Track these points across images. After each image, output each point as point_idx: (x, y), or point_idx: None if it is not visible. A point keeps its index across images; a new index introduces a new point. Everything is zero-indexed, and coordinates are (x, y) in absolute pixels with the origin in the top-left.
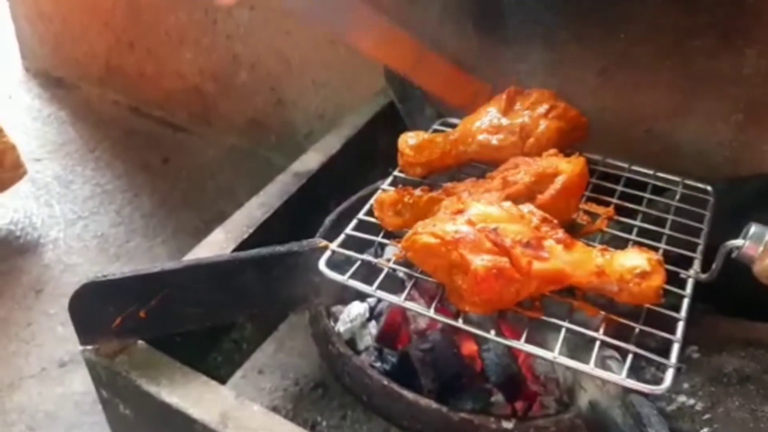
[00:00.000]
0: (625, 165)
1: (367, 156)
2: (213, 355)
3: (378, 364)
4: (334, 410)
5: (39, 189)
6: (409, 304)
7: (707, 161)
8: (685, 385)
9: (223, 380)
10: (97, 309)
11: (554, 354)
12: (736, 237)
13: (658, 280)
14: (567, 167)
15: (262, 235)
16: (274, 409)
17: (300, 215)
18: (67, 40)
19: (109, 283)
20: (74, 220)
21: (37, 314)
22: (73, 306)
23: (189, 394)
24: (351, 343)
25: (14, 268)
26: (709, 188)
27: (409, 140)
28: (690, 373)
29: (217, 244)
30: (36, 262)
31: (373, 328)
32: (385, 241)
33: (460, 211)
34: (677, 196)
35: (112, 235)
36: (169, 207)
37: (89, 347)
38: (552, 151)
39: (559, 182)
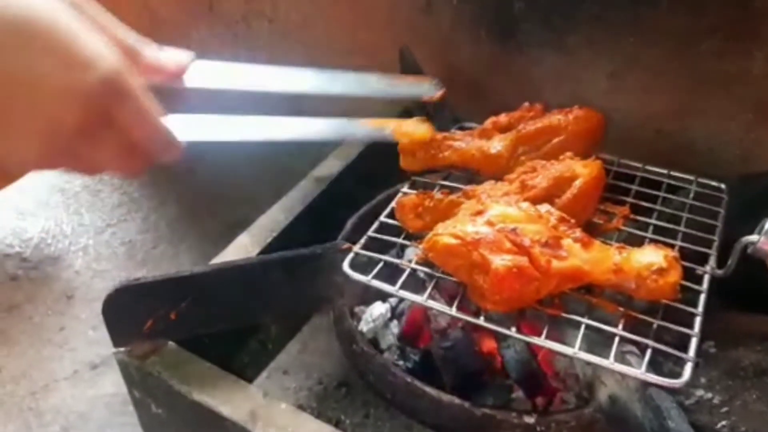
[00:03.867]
0: (639, 165)
1: (387, 162)
2: (240, 356)
3: (401, 363)
4: (358, 408)
5: (68, 198)
6: (431, 303)
7: (718, 159)
8: (703, 380)
9: (250, 380)
10: (130, 312)
11: (574, 350)
12: (750, 233)
13: (674, 276)
14: (584, 171)
15: (285, 238)
16: (300, 408)
17: (322, 219)
18: None
19: (141, 286)
20: (102, 227)
21: (68, 319)
22: (106, 309)
23: (218, 393)
24: (374, 342)
25: (46, 275)
26: (722, 186)
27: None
28: (707, 368)
29: (242, 248)
30: (66, 269)
31: (395, 327)
32: (407, 242)
33: (479, 213)
34: (691, 194)
35: (140, 241)
36: (193, 214)
37: (122, 349)
38: (568, 154)
39: (576, 186)
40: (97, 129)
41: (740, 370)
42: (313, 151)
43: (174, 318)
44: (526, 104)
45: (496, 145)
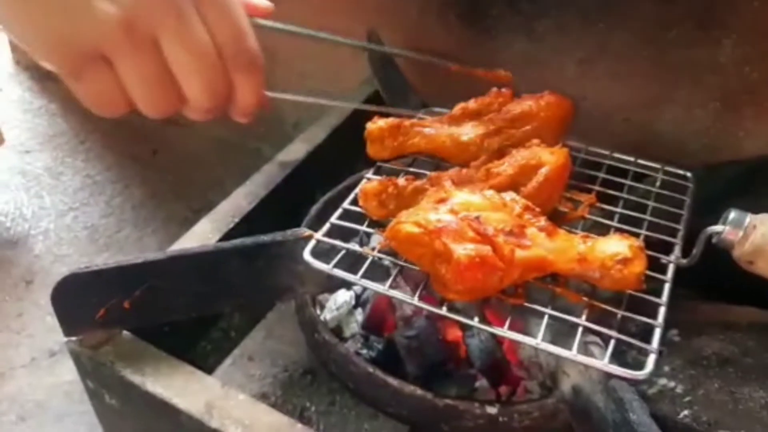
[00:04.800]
0: (607, 152)
1: (354, 145)
2: (202, 343)
3: (364, 351)
4: (323, 396)
5: (29, 181)
6: (393, 293)
7: (686, 148)
8: (666, 368)
9: (212, 368)
10: (81, 300)
11: (537, 341)
12: (715, 222)
13: (639, 266)
14: (550, 159)
15: (247, 224)
16: (264, 396)
17: (286, 204)
18: None
19: (92, 274)
20: (64, 211)
21: (27, 305)
22: (56, 298)
23: (174, 383)
24: (337, 330)
25: (4, 260)
26: (688, 174)
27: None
28: (670, 356)
29: (202, 234)
30: (26, 253)
31: (359, 315)
32: (370, 230)
33: (442, 200)
34: (658, 183)
35: (102, 225)
36: (158, 198)
37: (73, 338)
38: (535, 141)
39: (542, 174)
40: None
41: (703, 359)
42: (280, 134)
43: (128, 307)
44: (494, 89)
45: (468, 132)
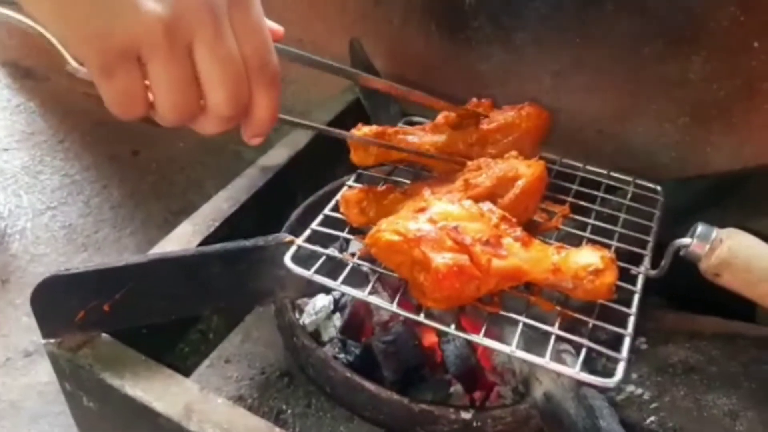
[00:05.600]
0: (580, 165)
1: (334, 151)
2: (180, 345)
3: (342, 356)
4: (300, 398)
5: (7, 179)
6: (372, 299)
7: (656, 160)
8: (634, 375)
9: (189, 370)
10: (60, 303)
11: (512, 348)
12: (683, 234)
13: (610, 277)
14: (527, 171)
15: (228, 228)
16: (240, 398)
17: (267, 209)
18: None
19: (72, 277)
20: (42, 210)
21: (2, 304)
22: (35, 300)
23: (153, 387)
24: (316, 334)
25: None
26: (658, 188)
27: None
28: (638, 364)
29: (183, 237)
30: (2, 252)
31: (337, 320)
32: (350, 236)
33: (422, 210)
34: (629, 195)
35: (80, 225)
36: (137, 198)
37: (52, 340)
38: (513, 153)
39: (518, 187)
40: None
41: (669, 366)
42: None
43: (108, 310)
44: (474, 99)
45: (451, 140)
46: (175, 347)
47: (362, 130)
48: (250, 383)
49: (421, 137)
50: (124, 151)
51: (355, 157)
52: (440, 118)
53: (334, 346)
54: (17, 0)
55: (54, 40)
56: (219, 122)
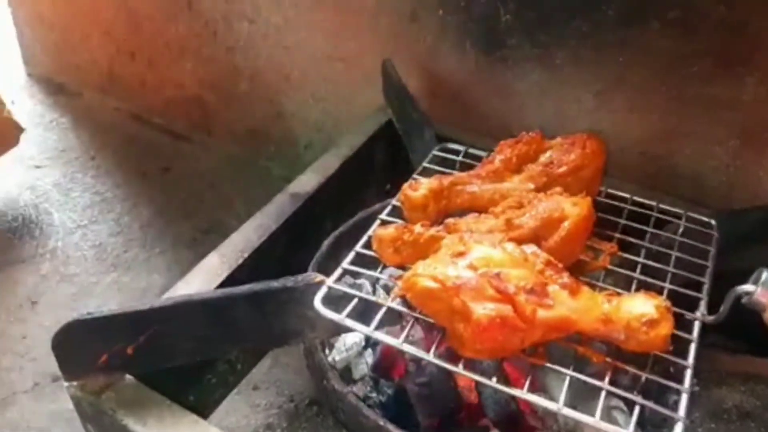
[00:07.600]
0: (627, 196)
1: (365, 175)
2: (207, 376)
3: (374, 395)
4: (330, 428)
5: (39, 196)
6: (407, 347)
7: (704, 183)
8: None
9: (217, 401)
10: (83, 346)
11: (559, 405)
12: (737, 268)
13: (666, 328)
14: (573, 210)
15: (257, 259)
16: (269, 427)
17: (297, 236)
18: (68, 48)
19: (95, 320)
20: (73, 228)
21: (32, 326)
22: (56, 343)
23: None
24: (346, 372)
25: (10, 279)
26: (713, 222)
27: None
28: (690, 407)
29: (211, 270)
30: (33, 272)
31: (368, 357)
32: (383, 277)
33: (461, 254)
34: (680, 230)
35: (110, 244)
36: (167, 217)
37: (74, 383)
38: (557, 189)
39: (564, 228)
40: None
41: (724, 412)
42: (291, 154)
43: (131, 353)
44: (524, 133)
45: (516, 187)
46: (203, 378)
47: (420, 191)
48: (279, 411)
49: (480, 186)
50: (155, 167)
51: (411, 216)
52: (498, 162)
53: (365, 385)
54: None
55: None
56: None
